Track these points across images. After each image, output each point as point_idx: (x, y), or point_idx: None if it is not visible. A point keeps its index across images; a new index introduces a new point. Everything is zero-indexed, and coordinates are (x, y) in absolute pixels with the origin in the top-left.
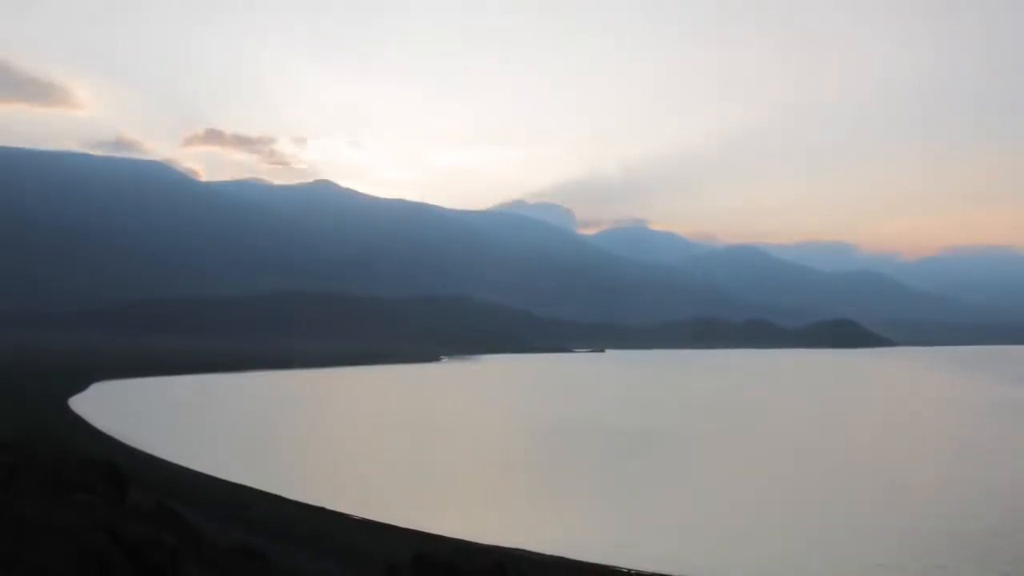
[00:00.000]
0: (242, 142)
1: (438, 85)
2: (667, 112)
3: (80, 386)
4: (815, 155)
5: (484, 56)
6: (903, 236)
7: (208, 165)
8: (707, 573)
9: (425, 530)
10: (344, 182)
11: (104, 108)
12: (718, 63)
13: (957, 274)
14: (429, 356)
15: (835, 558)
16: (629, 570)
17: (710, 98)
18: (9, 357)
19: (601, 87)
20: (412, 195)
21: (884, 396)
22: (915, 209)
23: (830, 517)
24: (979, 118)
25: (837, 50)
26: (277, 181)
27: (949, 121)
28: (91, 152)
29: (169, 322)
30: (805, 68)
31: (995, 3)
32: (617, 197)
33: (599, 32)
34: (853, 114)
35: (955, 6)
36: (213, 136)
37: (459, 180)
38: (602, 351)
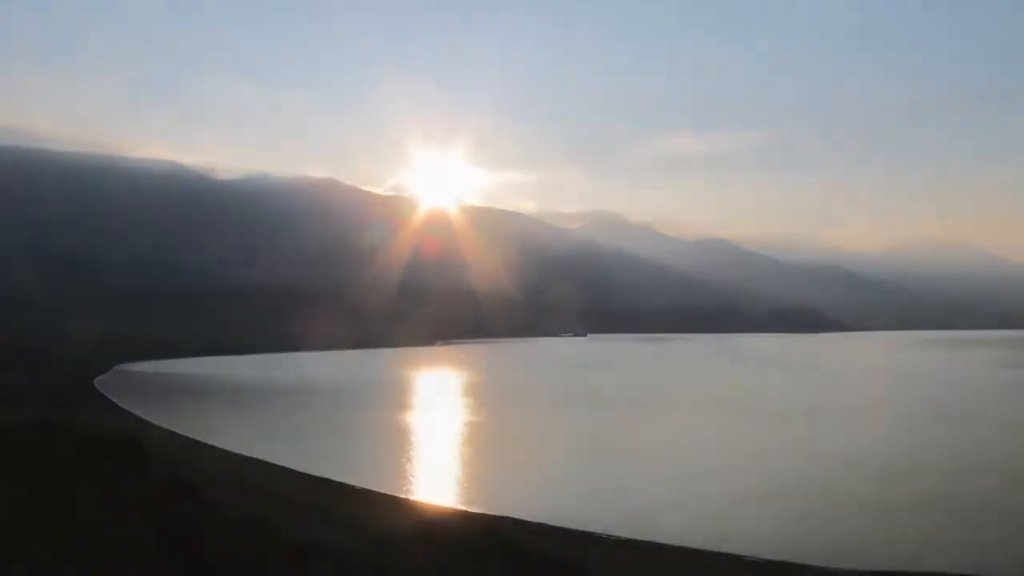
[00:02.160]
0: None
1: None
2: (645, 124)
3: (104, 368)
4: (778, 161)
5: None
6: (859, 233)
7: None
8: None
9: (424, 500)
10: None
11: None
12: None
13: (907, 266)
14: (425, 341)
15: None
16: (609, 536)
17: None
18: (38, 342)
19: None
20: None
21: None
22: (870, 209)
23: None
24: (927, 128)
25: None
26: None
27: (900, 132)
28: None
29: (184, 309)
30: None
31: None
32: (598, 193)
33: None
34: (814, 127)
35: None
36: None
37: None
38: (584, 335)
